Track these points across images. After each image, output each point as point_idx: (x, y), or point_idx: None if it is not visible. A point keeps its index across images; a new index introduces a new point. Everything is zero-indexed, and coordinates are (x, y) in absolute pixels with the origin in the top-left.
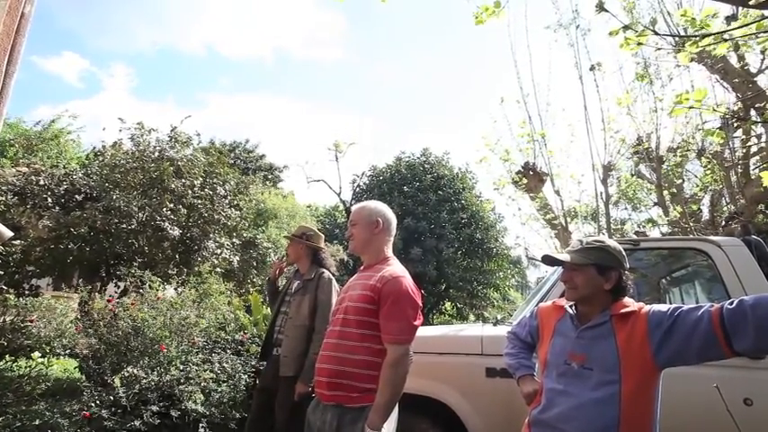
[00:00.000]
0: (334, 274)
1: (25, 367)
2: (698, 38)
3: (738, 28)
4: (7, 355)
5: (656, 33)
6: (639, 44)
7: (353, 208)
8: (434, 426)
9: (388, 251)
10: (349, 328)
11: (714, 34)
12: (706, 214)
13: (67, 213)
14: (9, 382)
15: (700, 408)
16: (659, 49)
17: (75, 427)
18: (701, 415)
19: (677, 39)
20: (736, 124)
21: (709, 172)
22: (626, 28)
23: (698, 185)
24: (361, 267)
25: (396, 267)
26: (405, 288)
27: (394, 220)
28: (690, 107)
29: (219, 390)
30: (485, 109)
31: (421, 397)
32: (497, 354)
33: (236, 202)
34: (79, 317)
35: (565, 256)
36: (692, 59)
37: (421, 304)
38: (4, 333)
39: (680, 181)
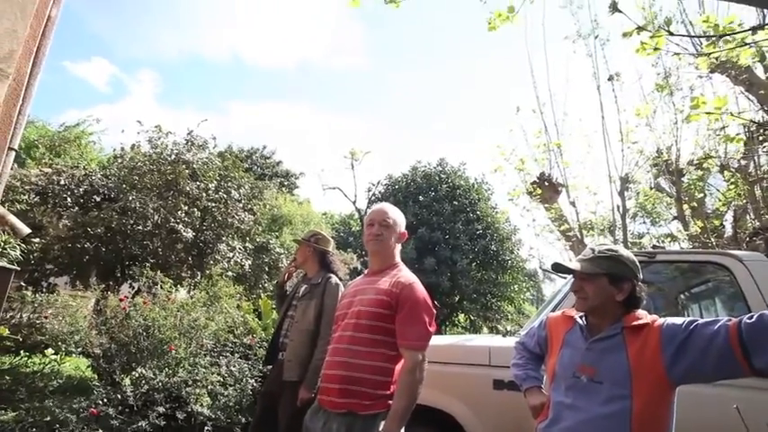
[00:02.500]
0: (341, 279)
1: (39, 363)
2: (715, 38)
3: (761, 28)
4: (22, 351)
5: (671, 33)
6: (656, 49)
7: (386, 206)
8: None
9: (398, 257)
10: (362, 333)
11: (733, 34)
12: (729, 230)
13: (86, 213)
14: (23, 378)
15: (718, 430)
16: (677, 54)
17: (83, 423)
18: None
19: (694, 40)
20: (761, 137)
21: (732, 186)
22: (640, 29)
23: (720, 200)
24: (367, 271)
25: (408, 273)
26: (421, 294)
27: None
28: (707, 113)
29: (226, 393)
30: (501, 118)
31: (426, 407)
32: (505, 365)
33: (250, 206)
34: (94, 315)
35: (575, 265)
36: (714, 69)
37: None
38: (21, 329)
39: (701, 195)
